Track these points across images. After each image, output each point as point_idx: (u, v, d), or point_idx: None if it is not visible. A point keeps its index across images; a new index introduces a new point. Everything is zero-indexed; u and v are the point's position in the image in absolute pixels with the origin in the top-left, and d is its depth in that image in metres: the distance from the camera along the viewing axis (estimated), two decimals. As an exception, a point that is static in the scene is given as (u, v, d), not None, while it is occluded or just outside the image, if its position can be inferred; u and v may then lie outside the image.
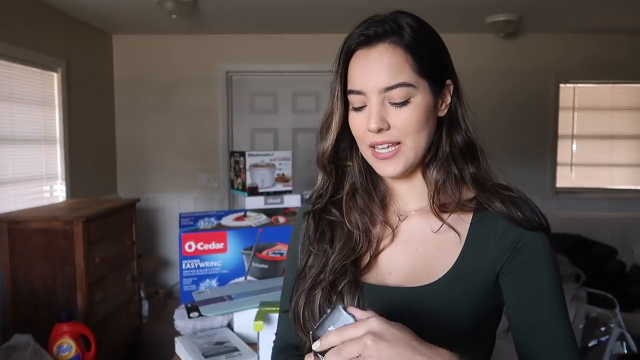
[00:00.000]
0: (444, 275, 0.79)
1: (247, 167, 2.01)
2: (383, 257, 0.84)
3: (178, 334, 1.43)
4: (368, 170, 0.87)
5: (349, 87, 0.80)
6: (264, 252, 1.69)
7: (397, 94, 0.76)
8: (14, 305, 2.60)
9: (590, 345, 2.38)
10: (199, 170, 4.31)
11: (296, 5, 3.36)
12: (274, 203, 1.99)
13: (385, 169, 0.80)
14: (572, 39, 4.15)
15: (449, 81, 0.81)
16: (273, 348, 0.97)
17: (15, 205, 2.88)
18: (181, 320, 1.44)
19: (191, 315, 1.42)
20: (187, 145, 4.29)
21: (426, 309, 0.77)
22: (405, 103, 0.76)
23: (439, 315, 0.77)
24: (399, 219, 0.86)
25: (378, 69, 0.76)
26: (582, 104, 4.27)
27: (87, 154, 3.73)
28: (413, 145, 0.78)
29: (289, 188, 2.06)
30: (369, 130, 0.77)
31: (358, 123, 0.80)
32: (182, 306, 1.51)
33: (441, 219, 0.81)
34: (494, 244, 0.79)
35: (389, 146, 0.78)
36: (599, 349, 2.35)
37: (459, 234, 0.80)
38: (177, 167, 4.30)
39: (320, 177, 0.90)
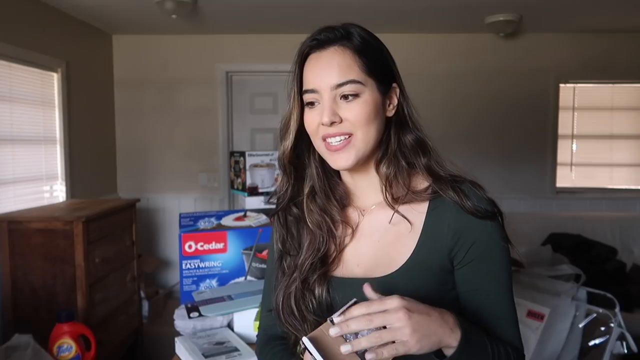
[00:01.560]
0: (403, 264, 0.85)
1: (247, 167, 2.01)
2: (348, 252, 0.91)
3: (178, 334, 1.43)
4: (325, 173, 0.94)
5: (304, 87, 0.87)
6: (264, 252, 1.69)
7: (348, 90, 0.83)
8: (14, 305, 2.60)
9: (590, 345, 2.38)
10: (199, 171, 4.31)
11: (296, 6, 3.36)
12: (274, 203, 1.98)
13: (337, 161, 0.86)
14: (572, 39, 4.15)
15: (394, 84, 0.89)
16: (257, 341, 1.04)
17: (15, 205, 2.88)
18: (181, 320, 1.44)
19: (191, 315, 1.42)
20: (187, 145, 4.29)
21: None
22: (355, 97, 0.83)
23: None
24: (361, 214, 0.93)
25: (329, 68, 0.83)
26: (582, 104, 4.27)
27: (87, 154, 3.73)
28: (363, 138, 0.84)
29: (289, 188, 2.05)
30: (322, 124, 0.84)
31: (311, 118, 0.87)
32: (182, 306, 1.51)
33: (394, 209, 0.88)
34: (447, 232, 0.84)
35: (340, 140, 0.84)
36: (599, 349, 2.35)
37: (411, 223, 0.87)
38: (177, 167, 4.30)
39: (280, 179, 0.97)
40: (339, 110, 0.83)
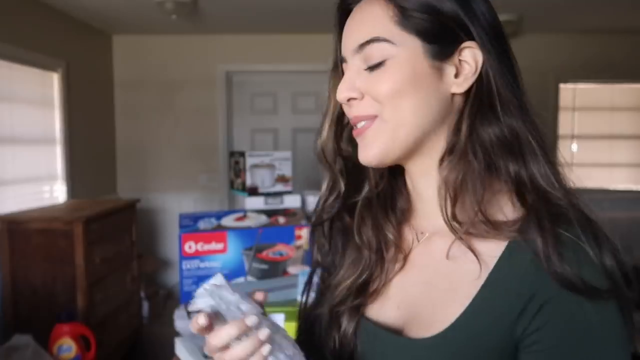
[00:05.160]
0: (447, 327, 0.57)
1: (247, 167, 2.01)
2: (392, 285, 0.66)
3: (178, 334, 1.43)
4: (389, 172, 0.68)
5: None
6: (264, 253, 1.69)
7: (371, 53, 0.58)
8: (14, 305, 2.60)
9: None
10: (199, 171, 4.31)
11: (296, 6, 3.36)
12: (274, 203, 1.98)
13: (361, 151, 0.62)
14: (572, 39, 4.15)
15: (470, 43, 0.58)
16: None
17: (15, 206, 2.88)
18: (181, 320, 1.44)
19: (191, 315, 1.42)
20: (187, 145, 4.29)
21: None
22: (379, 65, 0.58)
23: None
24: (417, 238, 0.66)
25: (356, 25, 0.60)
26: (582, 104, 4.27)
27: (87, 154, 3.73)
28: (391, 118, 0.59)
29: (289, 188, 2.05)
30: (339, 102, 0.62)
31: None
32: (182, 306, 1.51)
33: (456, 235, 0.58)
34: (520, 293, 0.54)
35: (363, 124, 0.61)
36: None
37: (480, 264, 0.56)
38: (177, 168, 4.30)
39: (325, 181, 0.70)
40: (361, 82, 0.60)
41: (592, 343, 0.52)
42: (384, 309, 0.65)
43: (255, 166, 2.02)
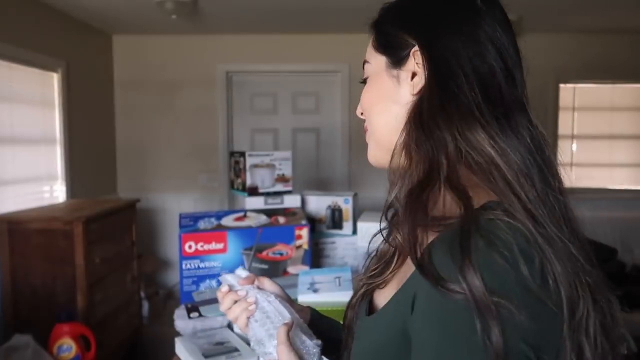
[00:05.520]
0: (377, 312, 0.64)
1: (247, 167, 2.01)
2: (396, 277, 0.71)
3: (178, 334, 1.43)
4: None
5: None
6: (264, 253, 1.69)
7: (364, 74, 0.72)
8: (14, 305, 2.60)
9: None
10: (199, 171, 4.31)
11: (296, 6, 3.36)
12: (274, 203, 1.99)
13: None
14: (572, 39, 4.15)
15: (415, 48, 0.63)
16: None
17: (15, 206, 2.88)
18: (181, 320, 1.44)
19: (191, 315, 1.42)
20: (187, 145, 4.29)
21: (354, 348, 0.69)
22: (364, 82, 0.71)
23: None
24: None
25: None
26: (582, 104, 4.27)
27: (87, 154, 3.73)
28: (370, 127, 0.70)
29: (289, 188, 2.06)
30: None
31: None
32: (182, 306, 1.51)
33: (386, 223, 0.67)
34: (416, 290, 0.54)
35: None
36: (599, 349, 2.35)
37: (411, 255, 0.56)
38: (177, 167, 4.30)
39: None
40: None
41: (438, 337, 0.50)
42: (384, 295, 0.70)
43: (255, 166, 2.02)
